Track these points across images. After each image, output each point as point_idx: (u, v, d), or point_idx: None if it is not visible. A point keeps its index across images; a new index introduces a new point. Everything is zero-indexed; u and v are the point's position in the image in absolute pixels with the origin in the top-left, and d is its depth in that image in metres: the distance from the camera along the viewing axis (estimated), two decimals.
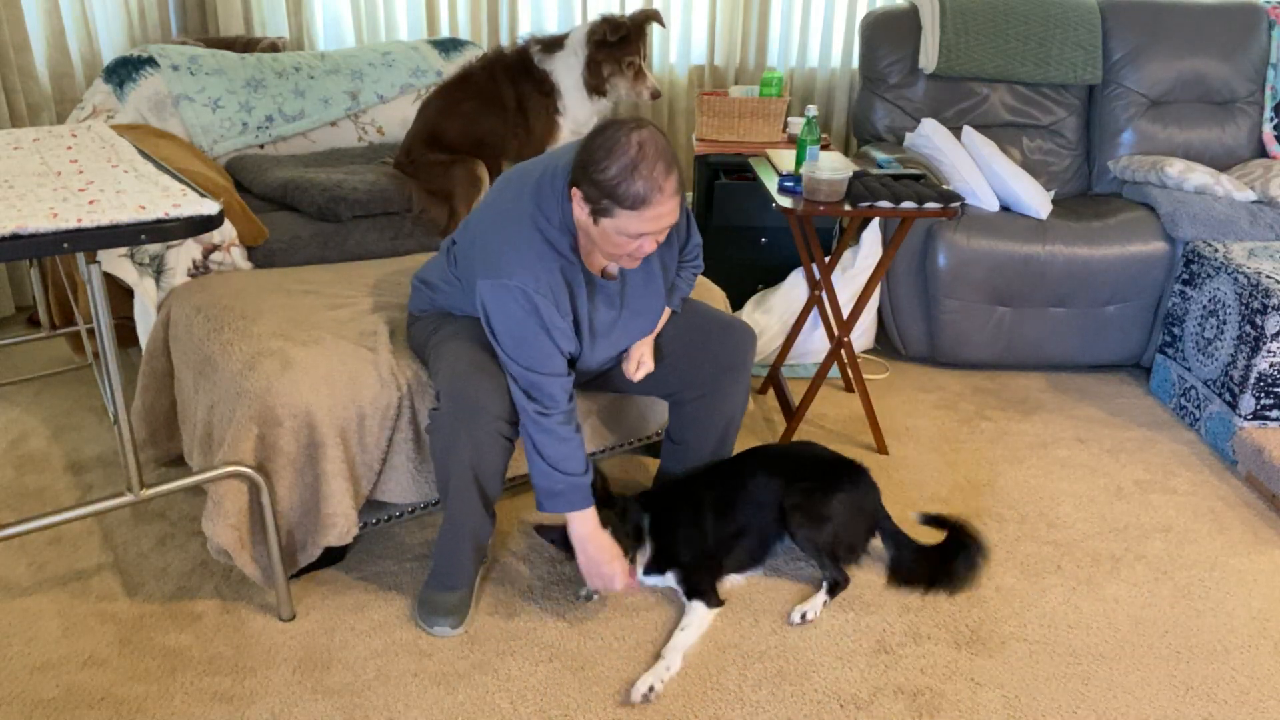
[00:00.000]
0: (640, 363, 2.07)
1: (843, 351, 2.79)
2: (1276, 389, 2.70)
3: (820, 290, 2.94)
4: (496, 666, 1.92)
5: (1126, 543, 2.39)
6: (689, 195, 4.02)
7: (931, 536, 2.23)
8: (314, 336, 2.05)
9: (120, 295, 2.55)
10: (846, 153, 4.23)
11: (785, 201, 2.53)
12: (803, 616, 2.07)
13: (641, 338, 2.09)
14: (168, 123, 2.85)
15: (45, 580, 2.13)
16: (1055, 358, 3.25)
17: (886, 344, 3.48)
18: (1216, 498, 2.60)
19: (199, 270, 2.40)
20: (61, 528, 2.29)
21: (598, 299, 1.93)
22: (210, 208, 1.62)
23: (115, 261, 2.32)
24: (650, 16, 2.77)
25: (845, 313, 2.98)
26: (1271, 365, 2.67)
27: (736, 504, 2.14)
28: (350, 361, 2.01)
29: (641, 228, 1.72)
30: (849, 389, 3.16)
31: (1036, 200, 3.13)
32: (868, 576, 2.21)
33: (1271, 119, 3.59)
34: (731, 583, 2.18)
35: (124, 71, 2.85)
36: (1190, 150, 3.56)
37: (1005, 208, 3.20)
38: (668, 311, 2.14)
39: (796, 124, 3.55)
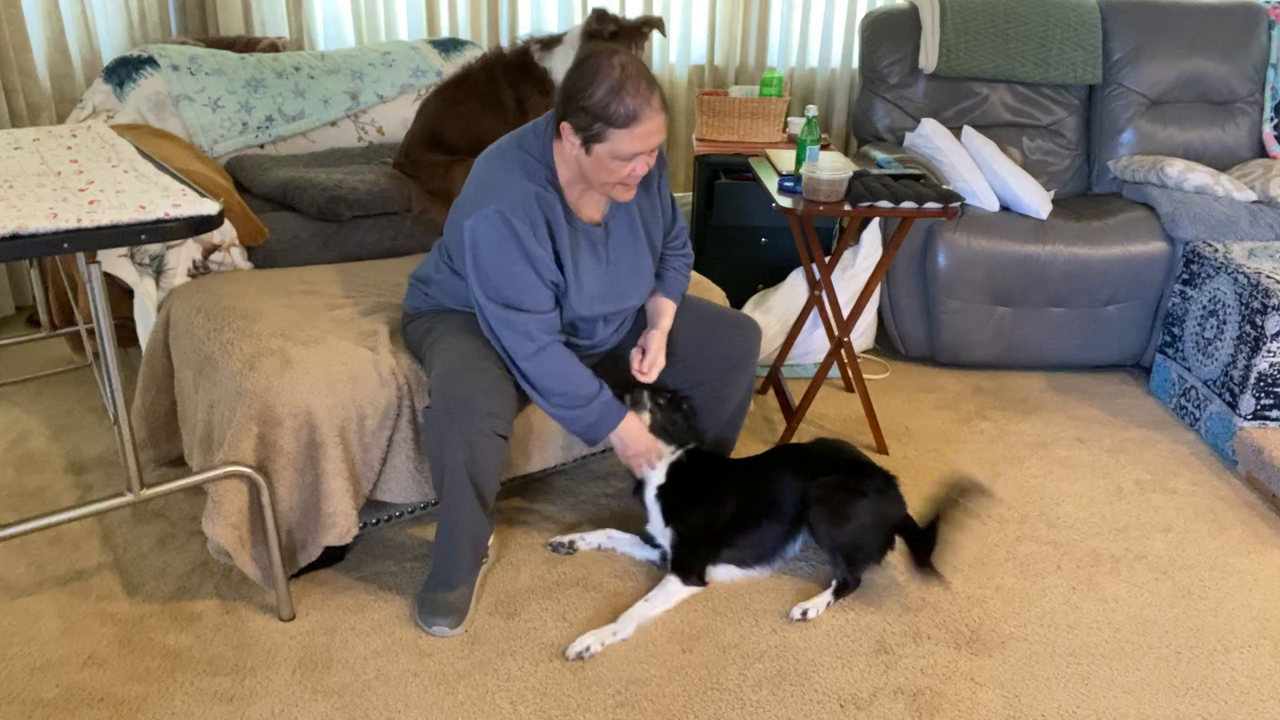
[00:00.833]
0: (654, 363, 2.08)
1: (843, 351, 2.79)
2: (1276, 389, 2.70)
3: (820, 290, 2.94)
4: (496, 666, 1.92)
5: (1126, 543, 2.39)
6: (689, 195, 4.03)
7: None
8: (314, 336, 2.06)
9: (120, 295, 2.55)
10: (846, 153, 4.23)
11: (785, 201, 2.53)
12: (803, 614, 2.07)
13: (633, 300, 2.10)
14: (168, 123, 2.85)
15: (45, 580, 2.13)
16: (1055, 358, 3.25)
17: (886, 344, 3.48)
18: (1216, 498, 2.60)
19: (199, 271, 2.40)
20: (61, 528, 2.29)
21: (580, 241, 1.96)
22: (210, 208, 1.62)
23: (115, 261, 2.32)
24: (652, 22, 2.77)
25: (845, 313, 2.98)
26: (1271, 365, 2.67)
27: (761, 496, 2.14)
28: (350, 361, 2.01)
29: (634, 146, 1.79)
30: (849, 389, 3.16)
31: (1036, 200, 3.13)
32: (868, 576, 2.20)
33: (1271, 119, 3.59)
34: (728, 575, 2.18)
35: (124, 71, 2.85)
36: (1190, 150, 3.56)
37: (1005, 208, 3.20)
38: (673, 307, 2.16)
39: (796, 124, 3.55)
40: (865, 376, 3.23)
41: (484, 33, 3.86)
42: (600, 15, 2.69)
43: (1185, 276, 3.04)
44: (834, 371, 3.24)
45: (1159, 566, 2.30)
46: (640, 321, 2.20)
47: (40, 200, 1.61)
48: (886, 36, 3.56)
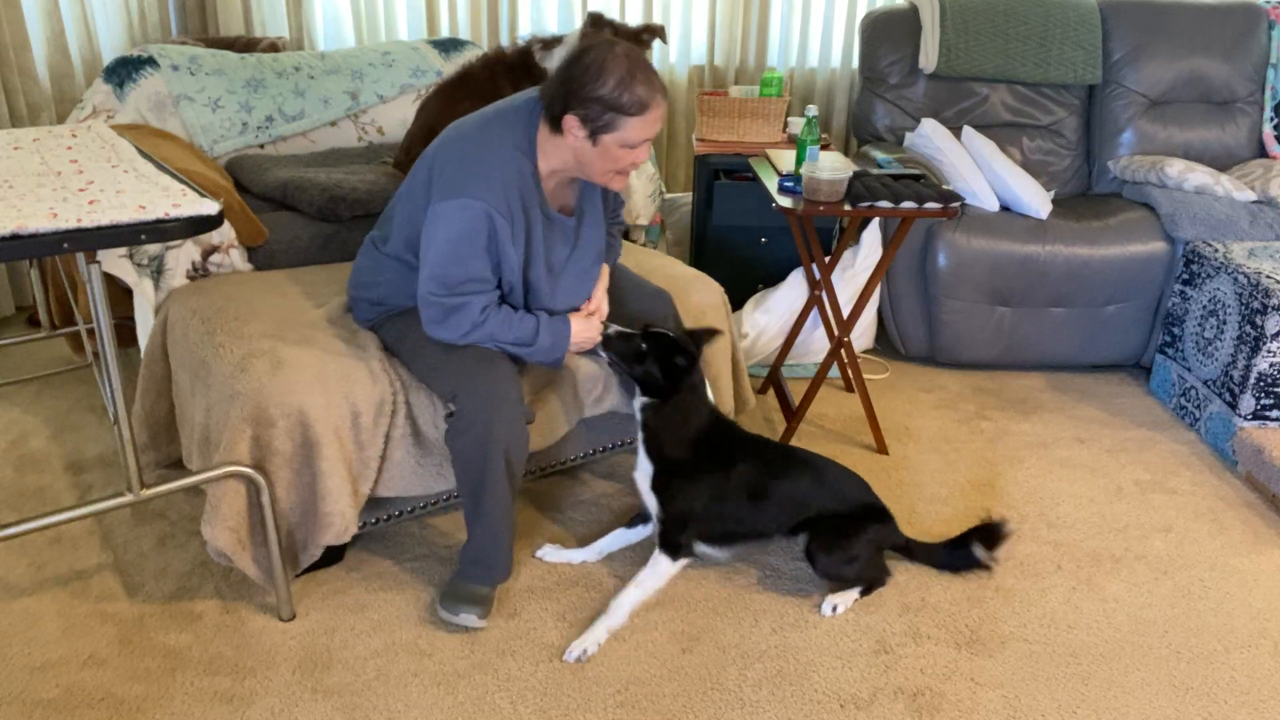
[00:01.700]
0: (599, 307, 2.11)
1: (843, 351, 2.79)
2: (1276, 389, 2.70)
3: (820, 290, 2.94)
4: (496, 666, 1.92)
5: (1126, 543, 2.39)
6: (689, 195, 4.03)
7: (939, 536, 2.23)
8: (305, 336, 2.06)
9: (120, 295, 2.55)
10: (846, 153, 4.23)
11: (785, 201, 2.53)
12: (834, 609, 2.09)
13: (590, 278, 2.12)
14: (168, 123, 2.85)
15: (45, 580, 2.13)
16: (1055, 358, 3.25)
17: (886, 344, 3.48)
18: (1216, 498, 2.60)
19: (198, 272, 2.40)
20: (61, 528, 2.29)
21: (554, 235, 1.99)
22: (210, 208, 1.62)
23: (115, 262, 2.32)
24: (653, 30, 2.77)
25: (845, 313, 2.98)
26: (1271, 365, 2.67)
27: (765, 494, 2.11)
28: (341, 360, 2.01)
29: (644, 132, 1.83)
30: (849, 389, 3.16)
31: (1036, 200, 3.13)
32: None
33: (1271, 119, 3.59)
34: (704, 551, 2.17)
35: (124, 71, 2.85)
36: (1190, 150, 3.56)
37: (1005, 208, 3.20)
38: (607, 270, 2.21)
39: (796, 124, 3.55)
40: (865, 376, 3.23)
41: (484, 33, 3.86)
42: (595, 19, 2.69)
43: (1185, 276, 3.04)
44: (834, 371, 3.24)
45: (1159, 566, 2.30)
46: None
47: (40, 200, 1.61)
48: (886, 36, 3.56)
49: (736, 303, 3.30)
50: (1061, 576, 2.25)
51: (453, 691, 1.86)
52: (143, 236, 1.56)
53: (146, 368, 2.32)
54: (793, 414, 2.78)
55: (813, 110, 2.83)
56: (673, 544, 2.08)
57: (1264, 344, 2.66)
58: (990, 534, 2.19)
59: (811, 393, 2.77)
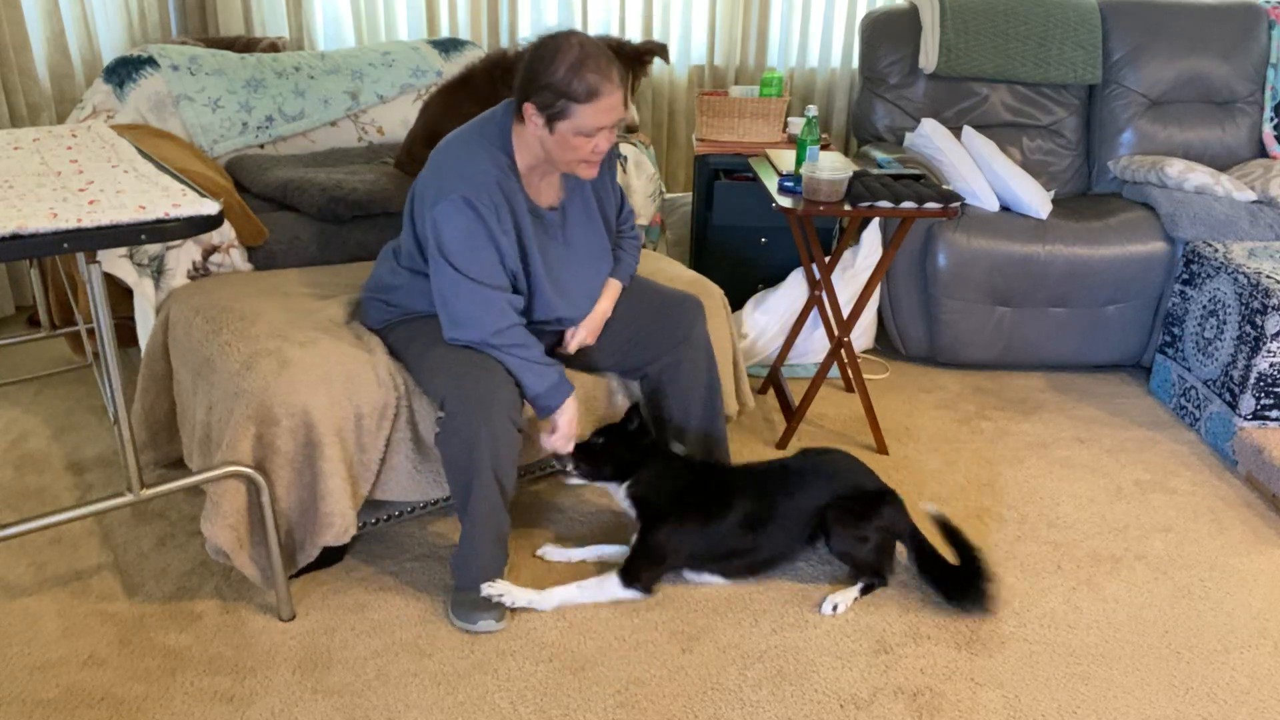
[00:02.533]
0: (579, 340, 2.15)
1: (843, 351, 2.79)
2: (1276, 389, 2.70)
3: (820, 290, 2.94)
4: (496, 666, 1.92)
5: (1126, 543, 2.39)
6: (689, 195, 4.03)
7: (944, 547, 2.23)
8: (311, 337, 2.06)
9: (120, 295, 2.55)
10: (846, 153, 4.23)
11: (785, 201, 2.53)
12: (834, 608, 2.09)
13: (593, 288, 2.15)
14: (168, 123, 2.85)
15: (45, 580, 2.13)
16: (1055, 358, 3.25)
17: (886, 344, 3.48)
18: (1216, 498, 2.60)
19: (198, 272, 2.40)
20: (61, 528, 2.29)
21: (544, 232, 2.02)
22: (210, 208, 1.62)
23: (115, 262, 2.32)
24: (655, 50, 2.76)
25: (845, 313, 2.98)
26: (1271, 365, 2.67)
27: (757, 525, 2.10)
28: (347, 362, 2.01)
29: (597, 120, 1.84)
30: (849, 389, 3.16)
31: (1036, 200, 3.13)
32: None
33: (1271, 119, 3.59)
34: (703, 581, 2.17)
35: (124, 71, 2.85)
36: (1190, 150, 3.56)
37: (1005, 208, 3.20)
38: (619, 287, 2.21)
39: (796, 124, 3.55)
40: (865, 376, 3.23)
41: (484, 33, 3.86)
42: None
43: (1185, 276, 3.04)
44: (834, 371, 3.24)
45: (1159, 566, 2.30)
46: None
47: (40, 200, 1.61)
48: (886, 36, 3.56)
49: (736, 303, 3.30)
50: (1061, 576, 2.26)
51: (453, 691, 1.86)
52: (143, 236, 1.56)
53: (147, 367, 2.32)
54: (793, 414, 2.78)
55: (813, 110, 2.83)
56: (635, 575, 2.08)
57: (1264, 344, 2.66)
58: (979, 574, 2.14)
59: (811, 393, 2.77)
